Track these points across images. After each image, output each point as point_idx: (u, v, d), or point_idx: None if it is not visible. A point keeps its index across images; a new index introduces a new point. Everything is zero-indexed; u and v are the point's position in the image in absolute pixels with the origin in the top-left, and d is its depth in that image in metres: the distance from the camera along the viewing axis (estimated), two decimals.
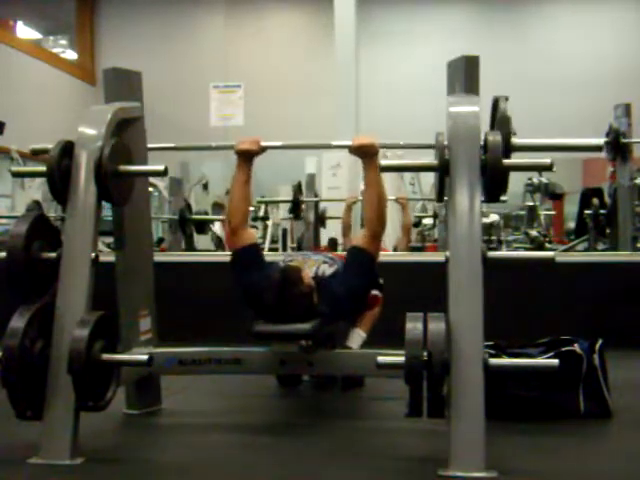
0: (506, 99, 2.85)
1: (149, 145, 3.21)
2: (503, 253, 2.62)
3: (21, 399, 2.58)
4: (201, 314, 4.93)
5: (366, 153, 3.07)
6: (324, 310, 3.00)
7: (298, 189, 6.73)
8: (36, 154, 3.02)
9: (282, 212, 8.06)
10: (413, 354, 2.39)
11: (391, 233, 6.54)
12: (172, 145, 3.31)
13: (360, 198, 6.23)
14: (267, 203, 7.99)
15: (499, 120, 2.83)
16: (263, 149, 3.14)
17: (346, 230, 5.86)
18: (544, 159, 2.71)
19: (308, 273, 3.11)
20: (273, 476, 2.52)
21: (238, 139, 3.21)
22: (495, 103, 2.89)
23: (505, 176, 2.63)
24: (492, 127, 2.86)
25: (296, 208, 6.76)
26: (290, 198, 6.86)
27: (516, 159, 2.73)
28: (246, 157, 3.18)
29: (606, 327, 4.13)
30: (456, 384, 2.43)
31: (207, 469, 2.58)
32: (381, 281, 3.55)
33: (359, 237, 3.19)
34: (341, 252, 4.86)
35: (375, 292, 3.50)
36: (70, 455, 2.55)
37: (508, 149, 2.71)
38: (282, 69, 11.33)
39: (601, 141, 2.80)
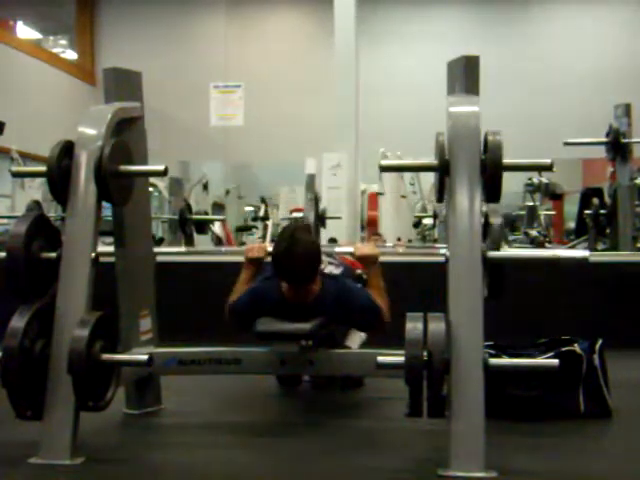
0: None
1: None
2: (503, 253, 2.63)
3: (21, 399, 2.58)
4: (201, 314, 4.92)
5: (369, 262, 3.25)
6: (329, 301, 3.01)
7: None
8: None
9: (282, 212, 8.06)
10: (413, 354, 2.39)
11: (391, 233, 6.57)
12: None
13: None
14: (266, 200, 7.98)
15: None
16: (269, 254, 3.21)
17: (372, 224, 5.89)
18: (544, 159, 2.71)
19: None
20: (273, 476, 2.52)
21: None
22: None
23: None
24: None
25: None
26: (287, 203, 6.81)
27: (516, 159, 2.73)
28: (254, 263, 3.30)
29: (606, 327, 4.13)
30: (456, 384, 2.43)
31: (207, 469, 2.58)
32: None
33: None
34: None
35: None
36: (70, 455, 2.54)
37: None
38: (282, 69, 11.33)
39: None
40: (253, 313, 3.07)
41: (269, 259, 3.13)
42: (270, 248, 3.20)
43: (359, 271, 3.48)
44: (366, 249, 3.27)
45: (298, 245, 2.95)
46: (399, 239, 6.54)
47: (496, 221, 2.67)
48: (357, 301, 3.10)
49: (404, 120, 10.41)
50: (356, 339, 3.49)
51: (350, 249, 3.31)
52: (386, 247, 6.78)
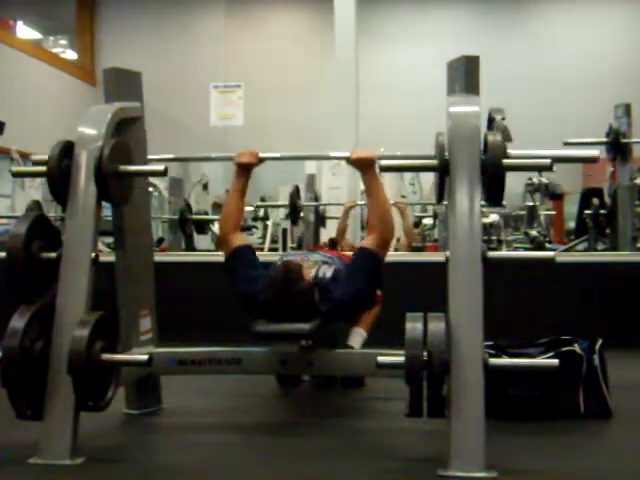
0: (503, 118, 2.84)
1: (150, 156, 3.21)
2: (503, 253, 2.62)
3: (21, 399, 2.58)
4: (201, 314, 4.93)
5: (364, 165, 3.12)
6: (325, 310, 2.99)
7: (296, 194, 6.70)
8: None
9: (282, 212, 8.06)
10: (413, 354, 2.39)
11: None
12: (172, 157, 3.40)
13: (359, 202, 6.26)
14: (266, 207, 8.00)
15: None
16: (261, 160, 3.19)
17: (340, 234, 5.87)
18: (544, 159, 2.71)
19: (307, 272, 3.11)
20: (273, 476, 2.52)
21: (237, 151, 3.27)
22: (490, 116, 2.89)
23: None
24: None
25: (293, 213, 6.73)
26: (287, 202, 6.81)
27: (516, 159, 2.73)
28: (244, 169, 3.25)
29: (606, 327, 4.13)
30: (456, 384, 2.43)
31: (207, 469, 2.58)
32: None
33: (368, 240, 3.13)
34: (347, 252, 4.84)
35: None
36: (70, 455, 2.55)
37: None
38: (282, 69, 11.33)
39: (596, 153, 2.78)
40: (250, 302, 3.06)
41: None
42: (263, 154, 3.15)
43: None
44: (362, 152, 3.13)
45: (291, 295, 2.93)
46: (399, 240, 6.54)
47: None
48: (347, 290, 3.05)
49: (404, 120, 10.41)
50: (358, 338, 3.49)
51: (346, 154, 3.17)
52: None
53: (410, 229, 6.63)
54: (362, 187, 7.46)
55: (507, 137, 2.74)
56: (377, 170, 3.10)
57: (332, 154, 3.54)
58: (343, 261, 3.40)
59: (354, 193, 6.47)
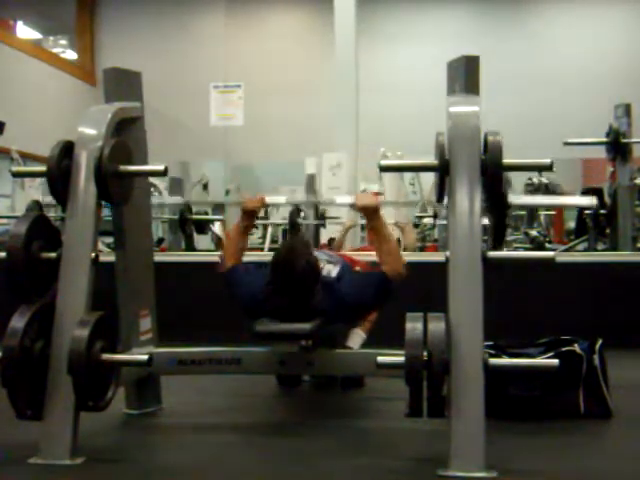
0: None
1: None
2: (503, 253, 2.63)
3: (21, 399, 2.58)
4: (201, 314, 4.93)
5: (369, 211, 3.19)
6: (327, 309, 3.00)
7: (296, 213, 6.67)
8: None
9: (282, 212, 8.05)
10: (413, 354, 2.39)
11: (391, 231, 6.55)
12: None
13: (360, 222, 6.29)
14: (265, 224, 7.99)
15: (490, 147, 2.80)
16: (267, 205, 3.23)
17: (337, 248, 5.90)
18: (544, 159, 2.71)
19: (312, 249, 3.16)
20: (272, 476, 2.52)
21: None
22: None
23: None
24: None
25: (292, 232, 6.70)
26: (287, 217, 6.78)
27: (516, 159, 2.73)
28: (250, 214, 3.33)
29: (606, 327, 4.12)
30: (456, 384, 2.43)
31: (207, 469, 2.58)
32: None
33: (390, 267, 3.12)
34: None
35: None
36: (70, 455, 2.55)
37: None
38: (282, 69, 11.33)
39: (594, 200, 2.81)
40: (250, 302, 3.07)
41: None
42: (268, 199, 3.21)
43: (358, 268, 3.48)
44: (366, 199, 3.24)
45: (296, 265, 2.93)
46: (399, 240, 6.54)
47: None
48: (364, 296, 3.07)
49: (404, 120, 10.41)
50: (357, 339, 3.49)
51: (350, 199, 3.29)
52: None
53: (411, 246, 6.64)
54: (362, 187, 7.50)
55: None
56: (381, 214, 3.20)
57: (338, 199, 3.62)
58: (347, 263, 3.41)
59: (354, 193, 6.47)
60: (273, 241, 7.95)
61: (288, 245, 3.09)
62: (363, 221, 6.39)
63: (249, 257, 3.51)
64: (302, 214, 6.77)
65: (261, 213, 8.22)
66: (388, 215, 7.52)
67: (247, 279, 3.14)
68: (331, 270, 3.24)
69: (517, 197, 2.75)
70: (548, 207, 2.69)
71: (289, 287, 2.95)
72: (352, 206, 3.27)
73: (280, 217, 8.13)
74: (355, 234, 6.70)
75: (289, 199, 3.44)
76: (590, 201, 2.82)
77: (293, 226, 6.67)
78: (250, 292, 3.07)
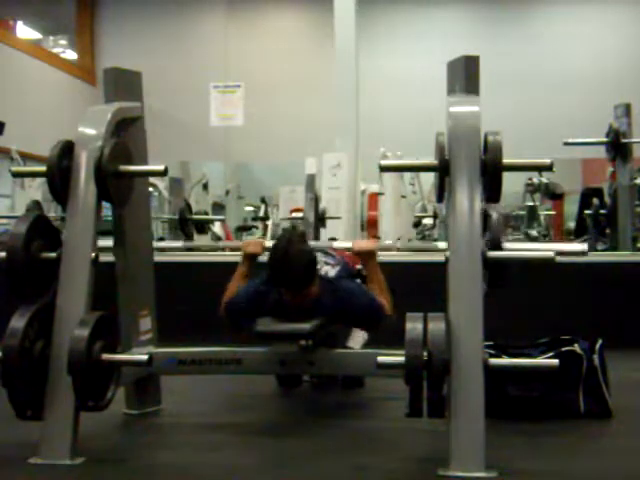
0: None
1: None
2: (503, 253, 2.63)
3: (21, 399, 2.58)
4: (201, 314, 4.92)
5: (366, 255, 3.28)
6: (327, 304, 3.00)
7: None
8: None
9: (282, 212, 8.06)
10: (413, 354, 2.39)
11: (391, 231, 6.57)
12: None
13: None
14: (267, 200, 7.96)
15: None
16: (266, 249, 3.24)
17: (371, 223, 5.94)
18: (544, 159, 2.71)
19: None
20: (273, 476, 2.52)
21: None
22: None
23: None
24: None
25: (293, 229, 6.69)
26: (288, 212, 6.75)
27: (516, 159, 2.73)
28: (250, 258, 3.33)
29: (606, 327, 4.13)
30: (456, 384, 2.43)
31: (207, 469, 2.58)
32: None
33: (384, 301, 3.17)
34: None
35: None
36: (70, 455, 2.55)
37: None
38: (282, 69, 11.32)
39: (585, 247, 2.90)
40: (251, 313, 3.06)
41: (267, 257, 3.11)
42: (268, 244, 3.22)
43: (358, 266, 3.48)
44: (364, 244, 3.37)
45: (293, 253, 2.94)
46: (398, 240, 6.54)
47: (495, 215, 2.69)
48: (357, 301, 3.09)
49: (404, 120, 10.40)
50: (358, 339, 3.49)
51: (348, 244, 3.38)
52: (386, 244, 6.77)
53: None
54: (362, 187, 7.49)
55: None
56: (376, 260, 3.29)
57: (335, 244, 3.64)
58: (347, 263, 3.42)
59: (354, 193, 6.48)
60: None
61: (284, 235, 3.11)
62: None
63: None
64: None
65: (261, 212, 8.26)
66: (388, 211, 7.56)
67: (253, 307, 3.11)
68: (329, 271, 3.25)
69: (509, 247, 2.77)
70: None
71: (285, 274, 2.95)
72: (350, 250, 3.35)
73: (280, 217, 8.14)
74: (355, 232, 6.70)
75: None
76: (581, 247, 2.86)
77: (294, 227, 6.66)
78: (248, 297, 3.09)
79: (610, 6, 11.21)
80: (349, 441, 2.88)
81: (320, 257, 3.33)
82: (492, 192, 2.65)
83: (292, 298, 2.99)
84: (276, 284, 3.00)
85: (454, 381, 2.43)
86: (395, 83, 10.99)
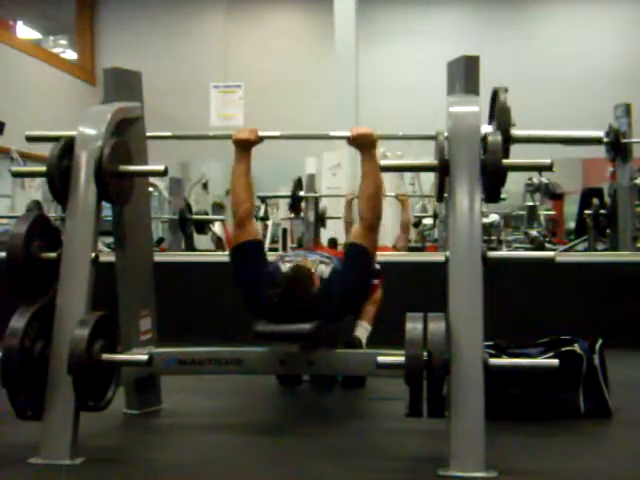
0: (505, 90, 2.85)
1: (148, 133, 3.20)
2: (503, 253, 2.63)
3: (21, 399, 2.58)
4: (201, 314, 4.93)
5: (365, 143, 3.07)
6: (324, 310, 2.99)
7: (298, 185, 6.64)
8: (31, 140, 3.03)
9: (282, 212, 8.06)
10: (413, 354, 2.39)
11: (391, 230, 6.56)
12: (170, 134, 3.32)
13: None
14: (267, 199, 7.93)
15: (498, 110, 2.83)
16: (261, 139, 3.13)
17: (348, 227, 5.88)
18: (544, 159, 2.71)
19: (316, 276, 3.10)
20: (273, 476, 2.52)
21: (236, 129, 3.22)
22: (494, 95, 2.90)
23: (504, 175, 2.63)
24: (491, 118, 2.87)
25: (295, 203, 6.64)
26: (288, 213, 6.74)
27: (516, 159, 2.73)
28: (244, 147, 3.17)
29: (606, 327, 4.13)
30: (456, 384, 2.43)
31: (207, 469, 2.58)
32: (378, 266, 3.55)
33: (354, 232, 3.17)
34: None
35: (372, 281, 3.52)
36: (70, 455, 2.55)
37: (508, 140, 2.71)
38: (282, 69, 11.32)
39: (600, 133, 2.82)
40: (250, 295, 3.06)
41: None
42: (261, 133, 3.10)
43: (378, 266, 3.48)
44: (362, 129, 3.08)
45: (294, 304, 2.93)
46: (395, 246, 6.53)
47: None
48: (340, 287, 3.06)
49: (404, 120, 10.38)
50: (362, 331, 3.52)
51: (347, 133, 3.12)
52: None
53: (408, 222, 6.60)
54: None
55: (509, 120, 2.75)
56: (377, 152, 3.07)
57: (332, 133, 3.48)
58: (340, 260, 3.41)
59: (353, 190, 6.47)
60: (273, 241, 7.96)
61: (292, 276, 3.05)
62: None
63: None
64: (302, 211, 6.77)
65: (261, 212, 8.25)
66: (387, 189, 7.56)
67: (258, 273, 3.07)
68: (323, 272, 3.22)
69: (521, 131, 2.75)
70: (554, 140, 2.70)
71: (286, 316, 2.95)
72: (349, 140, 3.10)
73: (280, 217, 8.14)
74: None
75: (284, 134, 3.30)
76: (596, 135, 2.85)
77: (295, 199, 6.60)
78: (253, 292, 3.06)
79: (610, 6, 11.21)
80: (349, 441, 2.87)
81: (316, 257, 3.32)
82: (492, 192, 2.66)
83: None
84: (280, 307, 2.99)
85: (454, 381, 2.43)
86: (395, 83, 11.00)
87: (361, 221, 3.11)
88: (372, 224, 3.08)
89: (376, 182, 3.07)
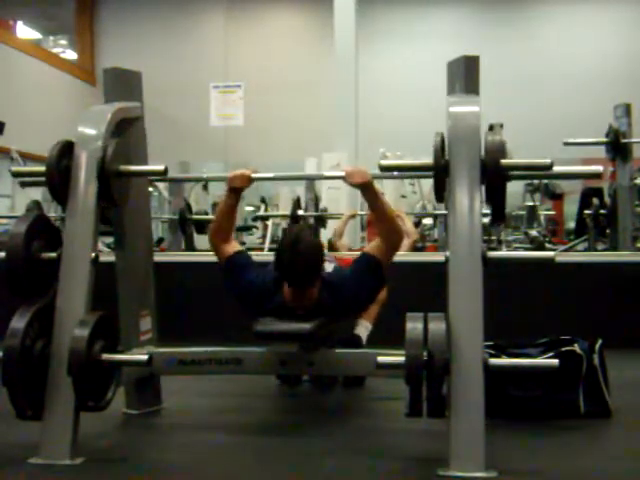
0: (501, 126, 2.84)
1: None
2: (503, 253, 2.63)
3: (21, 399, 2.57)
4: (201, 314, 4.93)
5: (358, 184, 3.05)
6: (328, 302, 2.99)
7: (297, 205, 6.66)
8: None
9: (282, 212, 8.05)
10: (413, 354, 2.39)
11: None
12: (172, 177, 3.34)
13: (359, 212, 6.30)
14: (264, 218, 7.96)
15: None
16: (252, 181, 3.14)
17: (338, 236, 5.91)
18: (544, 159, 2.71)
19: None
20: (272, 476, 2.52)
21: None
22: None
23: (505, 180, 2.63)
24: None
25: (293, 222, 6.68)
26: (289, 212, 6.74)
27: (516, 159, 2.73)
28: (236, 191, 3.17)
29: (606, 327, 4.13)
30: (456, 384, 2.43)
31: (207, 469, 2.58)
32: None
33: (374, 246, 3.11)
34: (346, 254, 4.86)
35: None
36: (70, 455, 2.55)
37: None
38: (282, 69, 11.34)
39: (600, 169, 2.83)
40: (250, 301, 3.06)
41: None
42: (255, 175, 3.12)
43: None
44: (357, 176, 3.01)
45: (302, 247, 2.91)
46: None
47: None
48: (349, 290, 3.06)
49: (404, 120, 10.41)
50: (363, 330, 3.52)
51: (341, 173, 3.09)
52: None
53: (411, 231, 6.63)
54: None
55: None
56: (376, 185, 3.07)
57: (326, 173, 3.53)
58: (338, 262, 3.42)
59: (354, 193, 6.47)
60: (273, 241, 7.96)
61: (293, 229, 3.06)
62: (363, 212, 6.43)
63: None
64: (302, 205, 6.77)
65: (261, 212, 8.26)
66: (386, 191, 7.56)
67: (253, 276, 3.09)
68: (326, 267, 3.24)
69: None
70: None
71: (295, 266, 2.90)
72: (344, 179, 3.07)
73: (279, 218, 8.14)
74: (355, 232, 6.70)
75: (277, 175, 3.31)
76: (596, 170, 2.84)
77: (294, 219, 6.63)
78: (251, 285, 3.06)
79: (610, 6, 11.22)
80: (349, 441, 2.87)
81: None
82: (492, 192, 2.65)
83: (295, 297, 2.98)
84: (282, 277, 2.98)
85: (454, 381, 2.43)
86: (395, 83, 11.01)
87: (382, 240, 3.07)
88: (395, 244, 3.08)
89: (386, 212, 3.07)
